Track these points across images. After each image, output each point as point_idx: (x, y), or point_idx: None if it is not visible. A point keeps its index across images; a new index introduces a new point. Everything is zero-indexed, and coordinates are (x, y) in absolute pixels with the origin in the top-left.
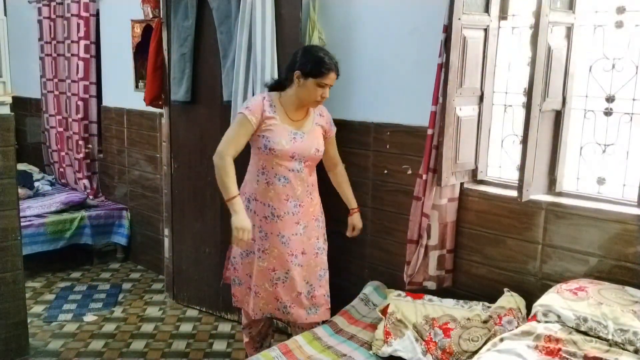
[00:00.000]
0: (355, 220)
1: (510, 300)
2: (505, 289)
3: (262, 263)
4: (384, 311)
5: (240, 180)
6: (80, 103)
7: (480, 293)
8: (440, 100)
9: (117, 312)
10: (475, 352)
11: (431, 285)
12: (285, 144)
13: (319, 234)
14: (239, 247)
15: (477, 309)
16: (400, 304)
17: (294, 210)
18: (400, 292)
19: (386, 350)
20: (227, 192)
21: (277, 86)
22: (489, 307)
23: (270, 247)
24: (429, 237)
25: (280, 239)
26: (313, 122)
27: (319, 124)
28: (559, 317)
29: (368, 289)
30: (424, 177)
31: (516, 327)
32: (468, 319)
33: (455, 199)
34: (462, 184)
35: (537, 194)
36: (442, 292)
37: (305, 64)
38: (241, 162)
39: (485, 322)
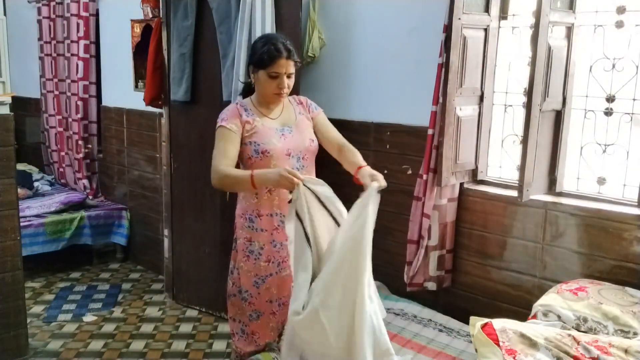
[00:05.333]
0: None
1: None
2: None
3: (284, 272)
4: None
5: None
6: (79, 103)
7: (480, 294)
8: (441, 100)
9: (117, 312)
10: None
11: (431, 285)
12: (277, 142)
13: None
14: (292, 181)
15: None
16: None
17: None
18: None
19: None
20: (244, 180)
21: (249, 90)
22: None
23: (288, 255)
24: (429, 237)
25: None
26: (295, 113)
27: (302, 114)
28: (559, 317)
29: None
30: (425, 177)
31: None
32: None
33: (455, 199)
34: (462, 184)
35: (537, 194)
36: (442, 292)
37: (252, 56)
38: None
39: None
